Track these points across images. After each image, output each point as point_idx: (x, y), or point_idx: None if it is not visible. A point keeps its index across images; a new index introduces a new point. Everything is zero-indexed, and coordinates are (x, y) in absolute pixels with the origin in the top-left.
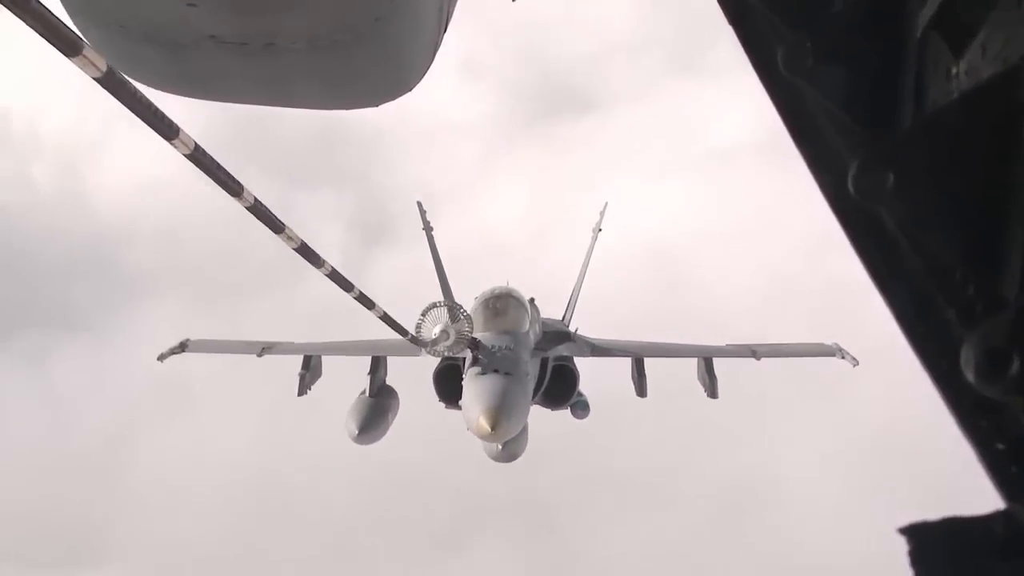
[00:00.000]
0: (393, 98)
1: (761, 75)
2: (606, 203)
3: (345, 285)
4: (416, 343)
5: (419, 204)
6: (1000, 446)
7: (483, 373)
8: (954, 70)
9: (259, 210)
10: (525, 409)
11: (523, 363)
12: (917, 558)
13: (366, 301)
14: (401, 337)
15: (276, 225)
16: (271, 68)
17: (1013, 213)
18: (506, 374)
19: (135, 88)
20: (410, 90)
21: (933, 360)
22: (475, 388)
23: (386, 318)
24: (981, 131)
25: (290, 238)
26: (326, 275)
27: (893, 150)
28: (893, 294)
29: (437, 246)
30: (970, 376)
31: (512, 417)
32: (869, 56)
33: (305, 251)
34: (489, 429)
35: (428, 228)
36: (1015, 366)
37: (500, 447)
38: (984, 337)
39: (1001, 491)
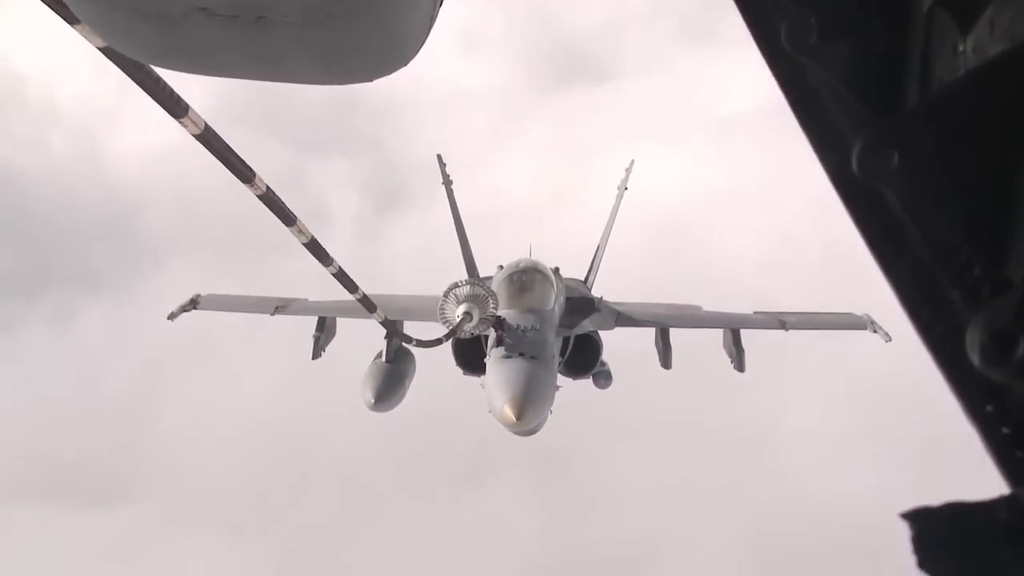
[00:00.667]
0: (388, 72)
1: (764, 51)
2: (632, 161)
3: (350, 286)
4: (445, 327)
5: (439, 157)
6: (1005, 430)
7: (508, 356)
8: (961, 47)
9: (271, 199)
10: (551, 395)
11: (549, 345)
12: (919, 543)
13: (368, 304)
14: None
15: (288, 217)
16: (263, 42)
17: (1020, 193)
18: (532, 358)
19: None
20: (406, 64)
21: (938, 343)
22: (500, 373)
23: (387, 324)
24: (988, 109)
25: (301, 232)
26: (332, 274)
27: (898, 129)
28: (897, 275)
29: (456, 201)
30: (975, 359)
31: (538, 405)
32: (874, 33)
33: (315, 247)
34: (515, 419)
35: (448, 182)
36: (1021, 349)
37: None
38: (990, 319)
39: (1006, 476)
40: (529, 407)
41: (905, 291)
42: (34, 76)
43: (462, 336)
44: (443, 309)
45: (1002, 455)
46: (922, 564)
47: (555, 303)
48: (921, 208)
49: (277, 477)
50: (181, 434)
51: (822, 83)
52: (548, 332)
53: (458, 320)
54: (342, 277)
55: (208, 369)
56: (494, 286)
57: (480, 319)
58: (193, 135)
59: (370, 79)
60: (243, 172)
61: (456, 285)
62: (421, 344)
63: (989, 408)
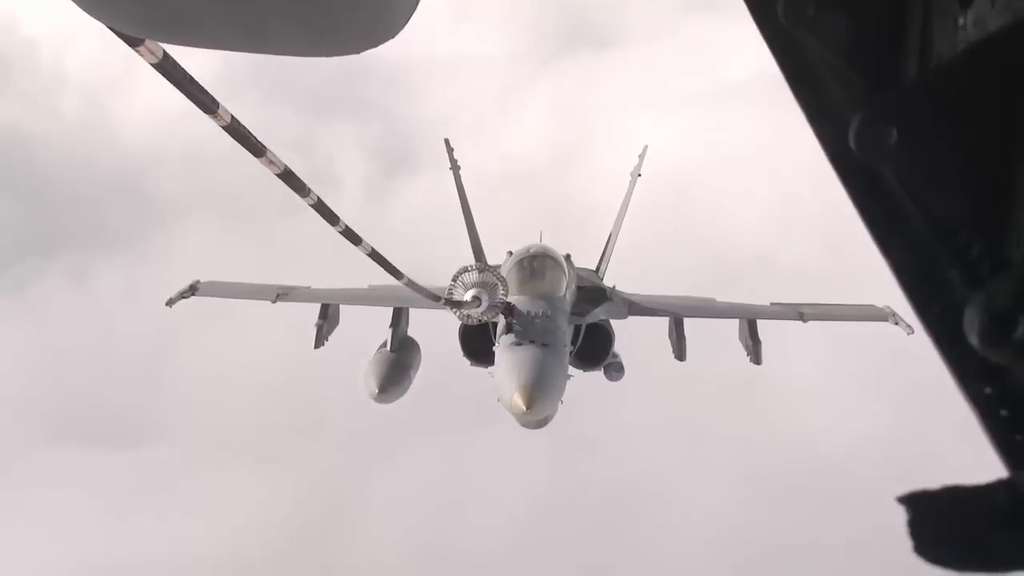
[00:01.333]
0: (375, 44)
1: (760, 24)
2: (646, 146)
3: (331, 218)
4: (452, 307)
5: (446, 142)
6: (1004, 412)
7: (518, 343)
8: (961, 21)
9: (236, 130)
10: (562, 384)
11: (560, 332)
12: (916, 528)
13: (352, 236)
14: (426, 288)
15: (256, 148)
16: (247, 13)
17: (1020, 171)
18: (543, 345)
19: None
20: (393, 36)
21: (936, 323)
22: (510, 361)
23: (375, 255)
24: (989, 85)
25: (272, 162)
26: (311, 205)
27: (896, 104)
28: (895, 254)
29: (464, 186)
30: (974, 340)
31: (549, 394)
32: (873, 6)
33: (289, 178)
34: (524, 408)
35: (455, 167)
36: (1021, 329)
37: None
38: (989, 299)
39: (1005, 459)
40: (540, 395)
41: (902, 270)
42: (44, 41)
43: (470, 322)
44: (451, 294)
45: (1001, 438)
46: (919, 549)
47: (567, 290)
48: (919, 185)
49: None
50: (193, 383)
51: (819, 57)
52: (560, 319)
53: (466, 303)
54: (321, 208)
55: (219, 332)
56: (503, 272)
57: (489, 305)
58: (151, 64)
59: (357, 51)
60: (205, 103)
61: (465, 270)
62: (413, 286)
63: (988, 390)
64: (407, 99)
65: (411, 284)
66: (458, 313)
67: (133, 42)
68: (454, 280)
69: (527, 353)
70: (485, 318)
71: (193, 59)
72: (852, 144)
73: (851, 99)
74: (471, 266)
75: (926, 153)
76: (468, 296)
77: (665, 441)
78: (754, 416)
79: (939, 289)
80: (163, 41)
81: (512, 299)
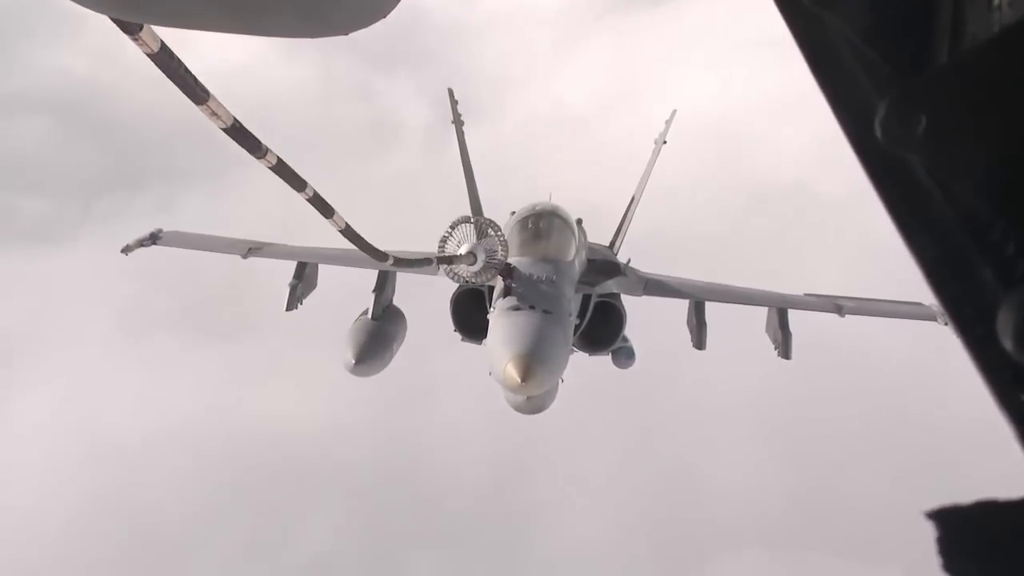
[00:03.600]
0: (366, 24)
1: (780, 4)
2: (674, 111)
3: (296, 184)
4: (443, 264)
5: (450, 92)
6: None
7: (516, 308)
8: (996, 1)
9: (236, 129)
10: (564, 357)
11: (566, 300)
12: (946, 544)
13: (324, 206)
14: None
15: (199, 97)
16: None
17: None
18: (544, 312)
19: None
20: (385, 16)
21: (967, 325)
22: (505, 326)
23: (348, 232)
24: None
25: (216, 115)
26: (307, 199)
27: (926, 90)
28: (924, 250)
29: (466, 143)
30: (1008, 343)
31: (548, 366)
32: None
33: (240, 135)
34: (519, 380)
35: (458, 121)
36: None
37: (526, 396)
38: None
39: None
40: (537, 367)
41: (932, 268)
42: None
43: (458, 281)
44: (443, 247)
45: None
46: (948, 567)
47: (575, 256)
48: (950, 177)
49: None
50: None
51: (843, 39)
52: (565, 286)
53: (458, 258)
54: (283, 170)
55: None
56: (504, 232)
57: (485, 264)
58: (147, 54)
59: (346, 31)
60: (195, 93)
61: (460, 221)
62: (401, 264)
63: (1023, 397)
64: (465, 50)
65: (399, 262)
66: (448, 271)
67: (130, 29)
68: (451, 229)
69: (526, 319)
70: (479, 280)
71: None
72: (878, 133)
73: (877, 85)
74: (468, 217)
75: (958, 143)
76: (462, 250)
77: (677, 437)
78: (776, 416)
79: (971, 289)
80: (151, 23)
81: (512, 260)
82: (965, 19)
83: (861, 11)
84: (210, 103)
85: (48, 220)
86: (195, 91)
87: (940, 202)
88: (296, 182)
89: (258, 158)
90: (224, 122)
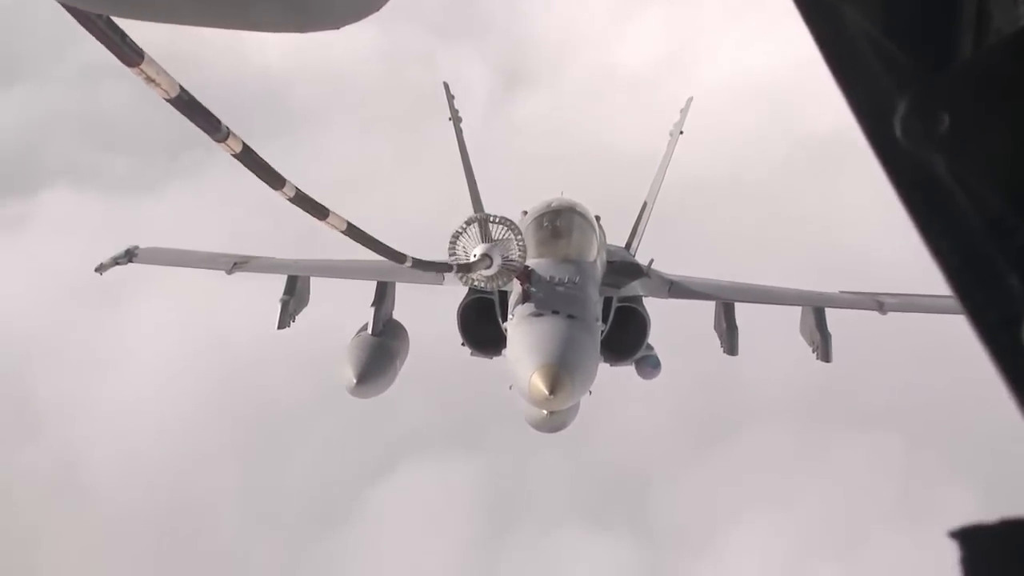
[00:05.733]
0: (358, 18)
1: None
2: (690, 98)
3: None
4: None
5: (445, 86)
6: None
7: (538, 314)
8: None
9: (250, 159)
10: (594, 365)
11: (592, 303)
12: (970, 565)
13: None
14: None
15: (274, 179)
16: None
17: None
18: (570, 317)
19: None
20: (378, 9)
21: (992, 333)
22: (528, 334)
23: (353, 231)
24: None
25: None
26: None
27: (949, 87)
28: (946, 256)
29: (464, 140)
30: None
31: (578, 376)
32: None
33: (191, 108)
34: (547, 392)
35: (456, 118)
36: None
37: (547, 412)
38: None
39: None
40: (567, 378)
41: (955, 274)
42: None
43: (471, 286)
44: (453, 248)
45: None
46: None
47: (597, 256)
48: (974, 179)
49: None
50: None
51: (861, 33)
52: (590, 288)
53: (472, 261)
54: (250, 160)
55: None
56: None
57: (502, 267)
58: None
59: (337, 26)
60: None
61: (472, 221)
62: (420, 266)
63: None
64: (521, 15)
65: (419, 264)
66: (462, 277)
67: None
68: (464, 226)
69: (551, 325)
70: (493, 285)
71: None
72: (898, 132)
73: (898, 81)
74: (481, 215)
75: (982, 143)
76: (476, 252)
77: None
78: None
79: (996, 296)
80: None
81: (530, 263)
82: (990, 12)
83: (881, 3)
84: (144, 66)
85: (135, 173)
86: (125, 53)
87: (964, 205)
88: (270, 177)
89: (217, 141)
90: (167, 92)
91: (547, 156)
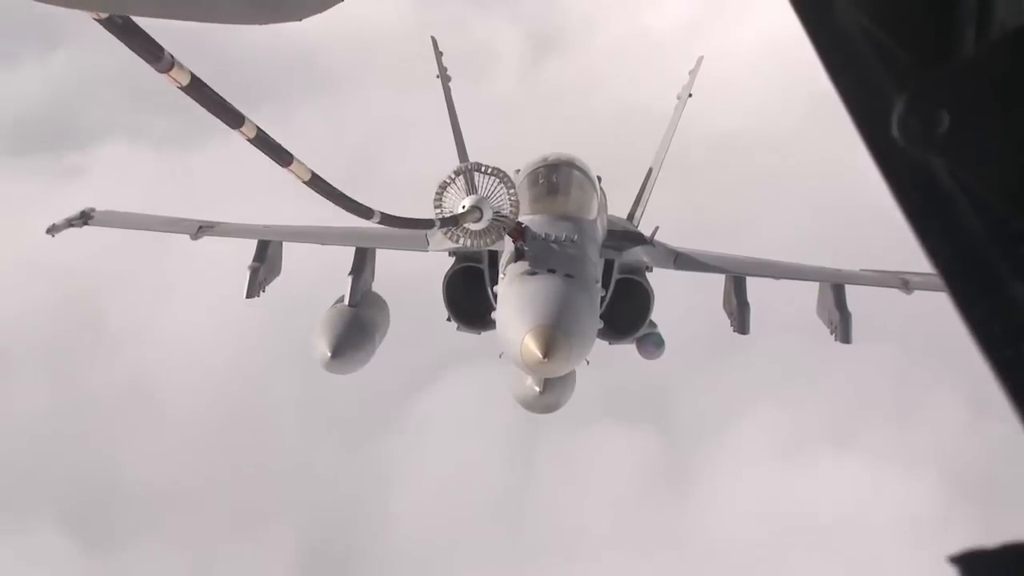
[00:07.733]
0: (322, 9)
1: None
2: (700, 58)
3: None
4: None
5: (433, 42)
6: None
7: (532, 273)
8: None
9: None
10: (592, 329)
11: (591, 264)
12: None
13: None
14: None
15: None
16: None
17: None
18: (567, 276)
19: None
20: (342, 0)
21: (996, 345)
22: (521, 294)
23: (316, 183)
24: None
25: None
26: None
27: (949, 84)
28: (945, 259)
29: (453, 99)
30: None
31: (575, 339)
32: None
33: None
34: (540, 356)
35: (444, 75)
36: None
37: (539, 389)
38: None
39: None
40: (563, 340)
41: (954, 279)
42: None
43: (456, 241)
44: (440, 200)
45: None
46: None
47: (598, 216)
48: (976, 180)
49: None
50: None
51: (857, 26)
52: (589, 247)
53: (460, 213)
54: (199, 92)
55: None
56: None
57: (492, 221)
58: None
59: (299, 18)
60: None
61: (461, 171)
62: (389, 222)
63: None
64: None
65: (388, 219)
66: (447, 232)
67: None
68: (452, 176)
69: (545, 283)
70: (482, 242)
71: None
72: (896, 132)
73: (895, 78)
74: (470, 164)
75: (984, 143)
76: (465, 204)
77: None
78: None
79: (999, 305)
80: (104, 11)
81: (523, 219)
82: (993, 4)
83: None
84: None
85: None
86: None
87: (965, 209)
88: (226, 114)
89: (159, 71)
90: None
91: (574, 118)
